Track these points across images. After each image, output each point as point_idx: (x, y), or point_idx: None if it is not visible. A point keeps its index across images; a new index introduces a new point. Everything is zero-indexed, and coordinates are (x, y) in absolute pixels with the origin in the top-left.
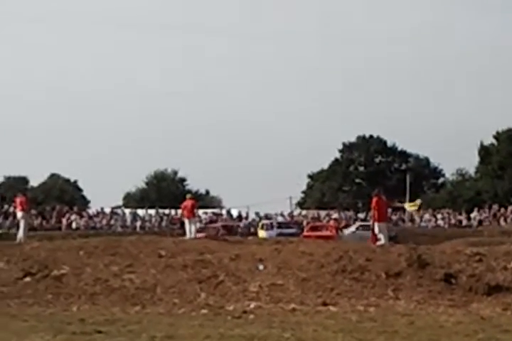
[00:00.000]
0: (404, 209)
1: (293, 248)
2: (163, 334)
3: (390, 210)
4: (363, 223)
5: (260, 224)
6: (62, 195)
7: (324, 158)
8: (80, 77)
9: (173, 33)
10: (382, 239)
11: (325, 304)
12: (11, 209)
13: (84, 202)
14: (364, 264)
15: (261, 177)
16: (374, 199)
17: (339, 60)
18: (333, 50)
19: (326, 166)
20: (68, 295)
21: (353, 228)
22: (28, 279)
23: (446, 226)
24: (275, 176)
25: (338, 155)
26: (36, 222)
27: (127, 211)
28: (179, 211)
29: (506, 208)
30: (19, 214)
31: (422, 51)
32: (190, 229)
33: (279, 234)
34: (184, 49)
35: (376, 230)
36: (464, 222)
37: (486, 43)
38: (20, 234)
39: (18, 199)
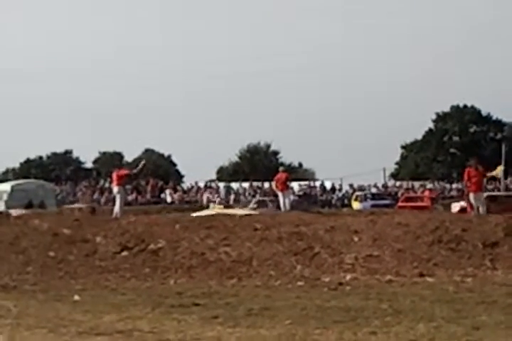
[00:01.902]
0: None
1: (388, 219)
2: (260, 307)
3: (485, 180)
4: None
5: (354, 196)
6: (156, 169)
7: (418, 128)
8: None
9: None
10: (480, 209)
11: (421, 275)
12: (107, 185)
13: (179, 177)
14: (460, 234)
15: (354, 149)
16: (466, 170)
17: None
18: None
19: (419, 136)
20: (165, 268)
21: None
22: (125, 253)
23: None
24: (368, 147)
25: (431, 125)
26: (131, 196)
27: (221, 184)
28: (272, 184)
29: None
30: (115, 189)
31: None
32: (284, 201)
33: (373, 206)
34: None
35: (472, 200)
36: None
37: None
38: (117, 208)
39: (114, 174)
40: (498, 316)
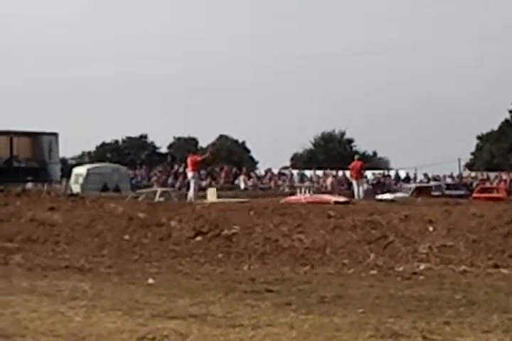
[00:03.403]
0: None
1: (463, 209)
2: (333, 294)
3: None
4: None
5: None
6: (230, 155)
7: (494, 118)
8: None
9: None
10: None
11: (496, 266)
12: (181, 170)
13: (253, 163)
14: None
15: (429, 139)
16: None
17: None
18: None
19: (495, 127)
20: (239, 254)
21: None
22: (199, 238)
23: None
24: (444, 137)
25: (508, 115)
26: (205, 182)
27: (295, 172)
28: (347, 172)
29: None
30: (189, 174)
31: None
32: (358, 190)
33: (447, 196)
34: None
35: None
36: None
37: None
38: (191, 193)
39: (188, 160)
40: None
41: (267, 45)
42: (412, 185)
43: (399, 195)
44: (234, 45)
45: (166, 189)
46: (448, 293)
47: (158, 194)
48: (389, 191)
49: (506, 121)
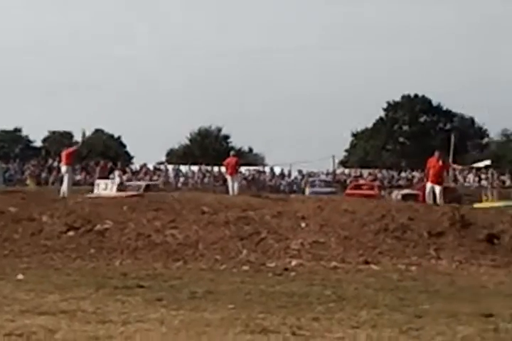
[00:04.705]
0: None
1: (335, 206)
2: (205, 290)
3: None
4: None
5: (305, 182)
6: (106, 150)
7: (368, 116)
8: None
9: None
10: (437, 200)
11: (366, 262)
12: (55, 164)
13: (128, 158)
14: (406, 223)
15: (304, 136)
16: (428, 161)
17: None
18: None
19: (370, 125)
20: (111, 249)
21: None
22: (71, 233)
23: (490, 186)
24: (319, 134)
25: (382, 113)
26: (80, 176)
27: (170, 167)
28: (222, 168)
29: None
30: (63, 168)
31: (462, 11)
32: (233, 186)
33: (314, 193)
34: None
35: (427, 190)
36: (508, 183)
37: None
38: (64, 188)
39: (63, 154)
40: (440, 305)
41: (143, 40)
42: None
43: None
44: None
45: None
46: (318, 289)
47: None
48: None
49: (381, 119)
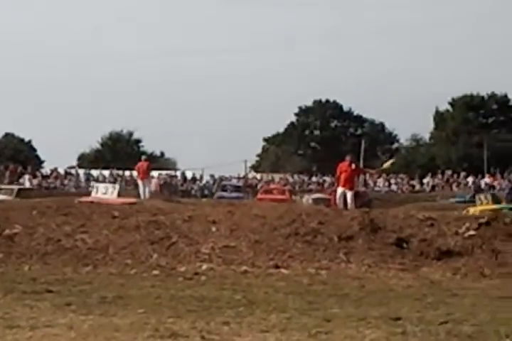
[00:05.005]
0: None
1: (246, 210)
2: (114, 295)
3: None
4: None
5: (217, 186)
6: (16, 154)
7: (280, 121)
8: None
9: None
10: (348, 205)
11: (277, 267)
12: None
13: (38, 162)
14: (317, 227)
15: (217, 140)
16: (339, 165)
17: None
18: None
19: (281, 130)
20: (20, 254)
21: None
22: None
23: (400, 191)
24: (231, 139)
25: (294, 118)
26: None
27: (81, 171)
28: (134, 172)
29: (459, 174)
30: None
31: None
32: (144, 190)
33: (221, 197)
34: None
35: (338, 195)
36: (417, 187)
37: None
38: None
39: None
40: (349, 308)
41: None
42: None
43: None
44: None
45: None
46: (228, 293)
47: None
48: None
49: (292, 123)
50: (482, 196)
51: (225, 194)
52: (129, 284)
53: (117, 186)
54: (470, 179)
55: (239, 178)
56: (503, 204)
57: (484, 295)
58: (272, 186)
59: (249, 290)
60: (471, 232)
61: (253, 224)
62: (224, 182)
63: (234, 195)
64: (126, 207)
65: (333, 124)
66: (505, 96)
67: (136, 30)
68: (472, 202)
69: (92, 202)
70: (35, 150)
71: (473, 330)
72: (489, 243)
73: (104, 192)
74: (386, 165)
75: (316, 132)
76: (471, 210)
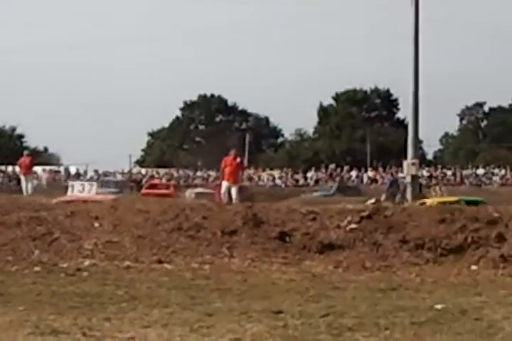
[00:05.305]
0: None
1: (129, 205)
2: None
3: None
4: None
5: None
6: None
7: (165, 116)
8: None
9: None
10: (233, 199)
11: (160, 262)
12: None
13: None
14: (200, 222)
15: (101, 135)
16: (223, 159)
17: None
18: None
19: (166, 124)
20: None
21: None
22: None
23: (284, 185)
24: (116, 134)
25: (179, 113)
26: None
27: None
28: (16, 168)
29: (342, 168)
30: None
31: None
32: (27, 186)
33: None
34: None
35: (222, 189)
36: (301, 182)
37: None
38: None
39: None
40: (231, 303)
41: None
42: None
43: None
44: None
45: None
46: (111, 289)
47: None
48: None
49: (177, 118)
50: (437, 188)
51: (101, 189)
52: (10, 281)
53: (94, 183)
54: (353, 173)
55: (122, 173)
56: (461, 197)
57: (365, 288)
58: (156, 181)
59: (132, 285)
60: (353, 226)
61: (136, 219)
62: (107, 178)
63: (111, 190)
64: (8, 203)
65: (218, 119)
66: (388, 90)
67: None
68: (337, 195)
69: (71, 202)
70: None
71: (353, 323)
72: (370, 236)
73: (81, 190)
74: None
75: (201, 127)
76: (428, 202)
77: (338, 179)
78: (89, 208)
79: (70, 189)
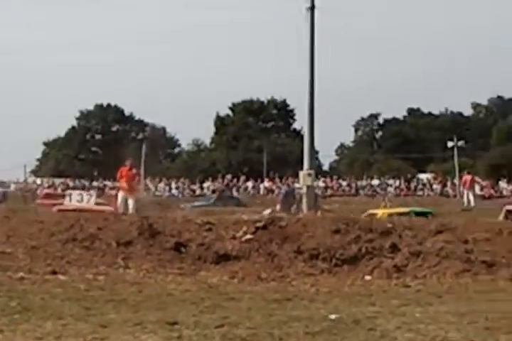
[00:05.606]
0: None
1: (23, 216)
2: None
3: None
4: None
5: None
6: None
7: (61, 125)
8: None
9: None
10: (130, 209)
11: (54, 272)
12: None
13: None
14: (95, 233)
15: None
16: (120, 170)
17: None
18: None
19: (62, 134)
20: None
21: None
22: None
23: (181, 195)
24: (9, 142)
25: (75, 122)
26: None
27: None
28: None
29: (239, 178)
30: None
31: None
32: None
33: None
34: None
35: (119, 199)
36: (198, 192)
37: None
38: None
39: None
40: (126, 314)
41: None
42: None
43: None
44: None
45: None
46: (4, 301)
47: None
48: None
49: (73, 127)
50: (386, 199)
51: None
52: None
53: (93, 193)
54: (250, 183)
55: (17, 183)
56: (412, 208)
57: (260, 298)
58: (50, 191)
59: (25, 296)
60: (248, 236)
61: (30, 230)
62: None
63: None
64: None
65: (114, 128)
66: (284, 101)
67: None
68: (216, 205)
69: (73, 210)
70: None
71: (247, 333)
72: (266, 247)
73: (80, 199)
74: None
75: (98, 136)
76: (379, 213)
77: (220, 188)
78: None
79: (67, 198)
